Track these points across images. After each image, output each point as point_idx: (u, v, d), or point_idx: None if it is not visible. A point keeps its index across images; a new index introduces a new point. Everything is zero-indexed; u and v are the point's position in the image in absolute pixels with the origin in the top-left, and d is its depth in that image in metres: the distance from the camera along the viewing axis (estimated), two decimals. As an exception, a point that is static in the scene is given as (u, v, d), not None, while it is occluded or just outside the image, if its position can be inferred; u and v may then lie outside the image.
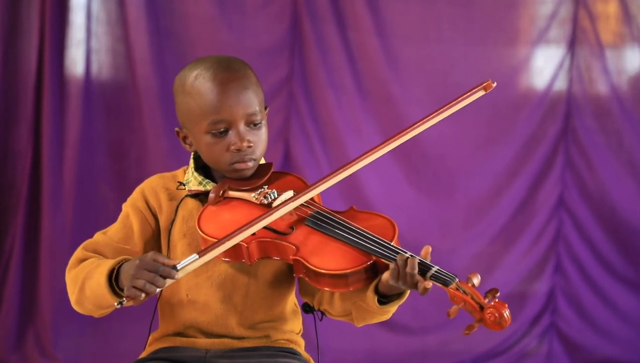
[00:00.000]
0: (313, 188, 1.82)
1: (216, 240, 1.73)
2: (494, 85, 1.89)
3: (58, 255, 3.62)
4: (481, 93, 1.92)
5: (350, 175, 3.82)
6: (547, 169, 3.94)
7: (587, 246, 3.92)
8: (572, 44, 3.89)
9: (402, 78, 3.82)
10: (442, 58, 3.83)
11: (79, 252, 1.86)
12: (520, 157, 3.92)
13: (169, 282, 1.65)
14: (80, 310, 1.84)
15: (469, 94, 1.91)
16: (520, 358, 3.88)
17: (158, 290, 1.64)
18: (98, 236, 1.91)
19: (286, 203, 1.80)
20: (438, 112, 1.91)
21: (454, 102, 1.91)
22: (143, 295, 1.63)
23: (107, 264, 1.74)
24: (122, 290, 1.71)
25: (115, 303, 1.65)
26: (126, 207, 1.94)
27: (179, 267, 1.67)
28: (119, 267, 1.72)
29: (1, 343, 3.62)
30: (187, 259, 1.69)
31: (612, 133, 3.91)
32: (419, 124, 1.91)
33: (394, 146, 1.90)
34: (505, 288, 3.85)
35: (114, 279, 1.72)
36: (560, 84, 3.91)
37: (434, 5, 3.80)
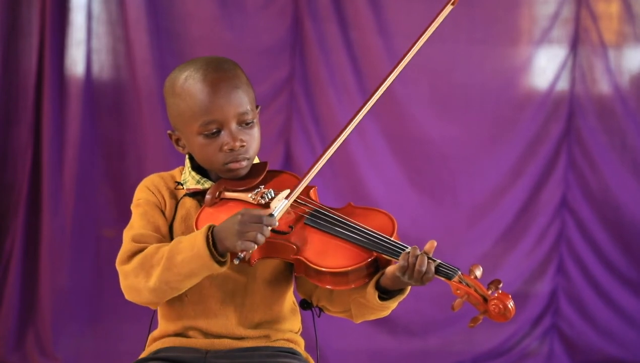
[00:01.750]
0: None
1: (297, 181, 1.81)
2: None
3: (58, 255, 3.63)
4: (449, 8, 1.92)
5: (353, 177, 3.82)
6: (550, 169, 3.93)
7: (590, 247, 3.91)
8: (575, 44, 3.88)
9: (404, 77, 3.79)
10: (444, 57, 3.83)
11: (129, 245, 1.84)
12: (523, 157, 3.91)
13: (270, 229, 1.72)
14: (154, 296, 1.80)
15: (439, 13, 1.92)
16: (521, 358, 3.88)
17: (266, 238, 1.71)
18: (132, 231, 1.88)
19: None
20: (416, 42, 1.94)
21: (428, 28, 1.94)
22: (255, 246, 1.70)
23: (194, 235, 1.75)
24: (221, 255, 1.73)
25: (234, 261, 1.70)
26: (138, 206, 1.92)
27: (275, 214, 1.74)
28: (212, 234, 1.74)
29: (1, 343, 3.62)
30: (279, 205, 1.77)
31: (615, 133, 3.90)
32: (398, 64, 1.94)
33: (376, 98, 1.93)
34: (507, 288, 3.79)
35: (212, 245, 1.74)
36: (563, 84, 3.90)
37: (436, 4, 3.77)
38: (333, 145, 1.87)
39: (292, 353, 1.92)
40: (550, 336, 3.92)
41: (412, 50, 1.92)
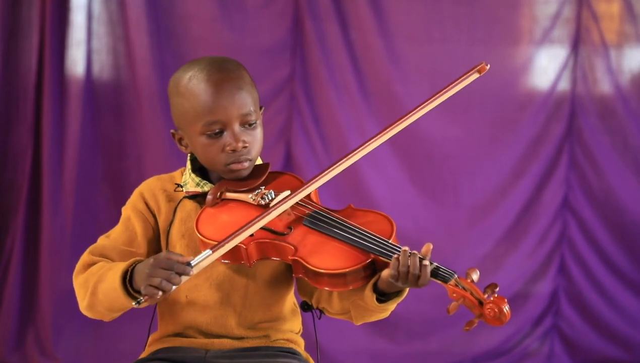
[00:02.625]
0: (308, 186, 1.82)
1: (229, 235, 1.73)
2: (488, 67, 1.88)
3: (58, 255, 3.63)
4: (475, 76, 1.90)
5: (354, 177, 3.81)
6: (552, 169, 3.92)
7: (591, 247, 3.91)
8: (576, 44, 3.87)
9: (405, 78, 3.81)
10: (445, 57, 3.82)
11: (85, 257, 1.87)
12: (524, 157, 3.90)
13: (184, 278, 1.66)
14: (91, 315, 1.84)
15: (463, 77, 1.90)
16: (521, 358, 3.88)
17: (174, 287, 1.65)
18: (102, 240, 1.92)
19: (290, 197, 1.80)
20: (434, 97, 1.92)
21: (449, 87, 1.91)
22: (160, 293, 1.64)
23: (120, 266, 1.74)
24: (136, 291, 1.71)
25: (133, 303, 1.66)
26: (126, 210, 1.94)
27: (193, 263, 1.68)
28: (132, 269, 1.73)
29: (1, 343, 3.63)
30: (200, 255, 1.70)
31: (617, 133, 3.90)
32: (415, 110, 1.94)
33: (391, 135, 1.92)
34: (508, 289, 3.84)
35: (127, 281, 1.72)
36: (564, 84, 3.90)
37: (437, 4, 3.79)
38: (325, 174, 1.84)
39: (292, 353, 1.92)
40: (551, 336, 3.92)
41: (427, 105, 1.90)
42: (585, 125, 3.89)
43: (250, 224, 1.75)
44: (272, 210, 1.78)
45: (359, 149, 1.89)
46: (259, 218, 1.76)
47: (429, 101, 1.92)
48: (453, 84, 1.91)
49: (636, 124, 3.89)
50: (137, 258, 1.77)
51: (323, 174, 1.83)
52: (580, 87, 3.89)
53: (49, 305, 3.63)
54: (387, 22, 3.77)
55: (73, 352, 3.64)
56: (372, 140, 1.90)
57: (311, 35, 3.74)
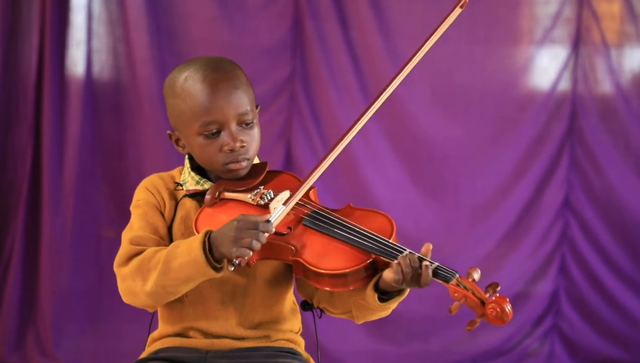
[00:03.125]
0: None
1: (296, 188, 1.80)
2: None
3: (58, 255, 3.63)
4: (459, 11, 1.91)
5: (355, 177, 3.81)
6: (553, 169, 3.92)
7: (592, 247, 3.90)
8: (577, 44, 3.87)
9: (406, 78, 3.80)
10: (446, 57, 3.82)
11: (127, 247, 1.84)
12: (525, 157, 3.90)
13: (266, 236, 1.71)
14: (151, 300, 1.80)
15: (447, 16, 1.90)
16: (521, 359, 3.87)
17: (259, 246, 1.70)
18: (130, 233, 1.87)
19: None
20: (423, 44, 1.93)
21: (437, 29, 1.93)
22: (251, 253, 1.69)
23: (195, 239, 1.75)
24: (217, 261, 1.72)
25: (229, 267, 1.70)
26: (137, 207, 1.92)
27: (272, 220, 1.73)
28: (208, 239, 1.73)
29: (1, 343, 3.63)
30: (276, 211, 1.75)
31: (618, 133, 3.89)
32: (405, 66, 1.95)
33: (380, 102, 1.93)
34: (509, 289, 3.84)
35: (208, 251, 1.73)
36: (565, 84, 3.89)
37: (437, 4, 3.79)
38: (335, 149, 1.85)
39: (293, 353, 1.92)
40: (551, 336, 3.91)
41: (418, 53, 1.92)
42: (586, 125, 3.89)
43: (310, 174, 1.81)
44: (305, 183, 1.82)
45: (352, 128, 1.89)
46: (315, 170, 1.82)
47: (420, 48, 1.94)
48: (440, 26, 1.92)
49: (637, 124, 3.88)
50: (208, 229, 1.76)
51: (321, 163, 1.83)
52: (581, 87, 3.89)
53: (49, 305, 3.63)
54: (387, 22, 3.77)
55: (73, 352, 3.64)
56: (363, 115, 1.92)
57: (311, 35, 3.73)
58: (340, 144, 1.85)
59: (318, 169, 1.83)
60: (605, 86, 3.89)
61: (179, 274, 1.75)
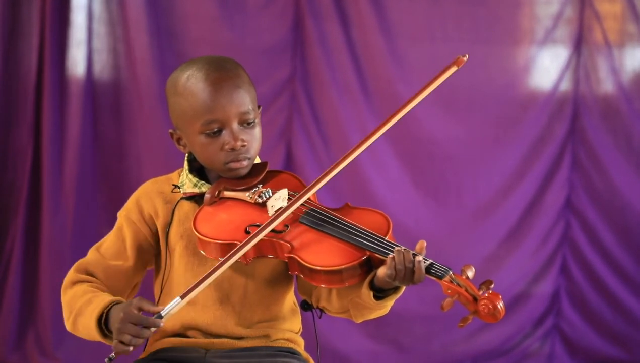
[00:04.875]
0: (309, 189, 1.82)
1: (198, 281, 1.73)
2: (465, 58, 1.87)
3: (58, 255, 3.63)
4: (454, 69, 1.90)
5: (356, 178, 3.80)
6: (555, 169, 3.92)
7: (594, 248, 3.90)
8: (578, 44, 3.86)
9: (406, 77, 3.80)
10: (447, 57, 3.78)
11: (71, 274, 1.90)
12: (527, 158, 3.90)
13: (153, 329, 1.70)
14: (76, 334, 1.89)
15: (442, 72, 1.88)
16: (522, 359, 3.87)
17: (140, 341, 1.70)
18: (91, 254, 1.94)
19: (283, 211, 1.79)
20: (418, 94, 1.91)
21: (431, 83, 1.89)
22: (131, 348, 1.69)
23: (97, 307, 1.77)
24: (112, 332, 1.75)
25: (105, 360, 1.71)
26: (120, 217, 1.95)
27: (163, 313, 1.70)
28: (108, 311, 1.76)
29: (1, 343, 3.63)
30: (170, 304, 1.71)
31: (620, 133, 3.89)
32: (405, 105, 1.93)
33: (385, 130, 1.94)
34: (510, 289, 3.84)
35: (103, 323, 1.77)
36: (567, 84, 3.89)
37: (438, 3, 3.79)
38: (332, 171, 1.84)
39: (292, 353, 1.92)
40: (552, 337, 3.91)
41: (413, 102, 1.91)
42: (588, 125, 3.88)
43: (215, 269, 1.74)
44: (263, 228, 1.77)
45: (354, 150, 1.89)
46: (232, 253, 1.75)
47: (415, 97, 1.92)
48: (434, 80, 1.89)
49: (639, 124, 3.88)
50: (113, 299, 1.78)
51: (323, 176, 1.83)
52: (582, 87, 3.88)
53: (49, 305, 3.63)
54: (388, 22, 3.77)
55: (73, 352, 3.64)
56: (370, 137, 1.93)
57: (312, 34, 3.73)
58: (337, 167, 1.84)
59: (309, 190, 1.81)
60: (607, 86, 3.88)
61: (83, 330, 1.83)
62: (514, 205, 3.90)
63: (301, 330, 2.00)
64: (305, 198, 1.81)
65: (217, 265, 1.75)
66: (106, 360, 1.70)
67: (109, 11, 3.65)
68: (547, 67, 3.89)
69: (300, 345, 1.97)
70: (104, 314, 1.76)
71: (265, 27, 3.70)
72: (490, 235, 3.89)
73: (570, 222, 3.92)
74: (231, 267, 1.85)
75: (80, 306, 1.82)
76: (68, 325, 1.86)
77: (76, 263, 1.93)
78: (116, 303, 1.76)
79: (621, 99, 3.87)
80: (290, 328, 1.95)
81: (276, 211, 1.81)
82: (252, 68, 3.76)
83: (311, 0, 3.71)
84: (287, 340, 1.94)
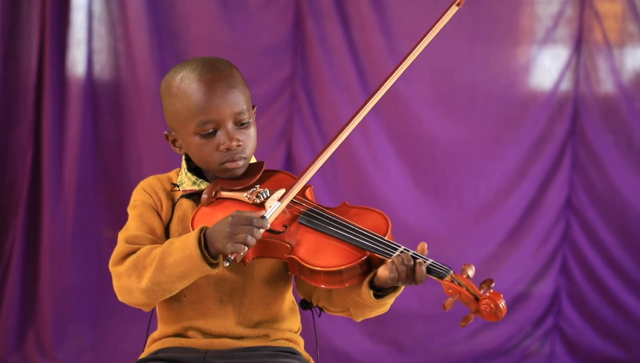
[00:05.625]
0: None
1: (291, 185, 1.80)
2: None
3: (58, 255, 3.63)
4: (455, 9, 1.90)
5: (357, 177, 3.79)
6: (555, 169, 3.92)
7: (594, 247, 3.90)
8: (578, 43, 3.86)
9: (408, 77, 3.80)
10: (448, 57, 3.82)
11: (122, 246, 1.85)
12: (528, 157, 3.90)
13: (261, 232, 1.72)
14: (146, 297, 1.80)
15: (444, 14, 1.90)
16: (522, 359, 3.87)
17: (254, 241, 1.71)
18: (128, 231, 1.88)
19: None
20: (419, 43, 1.93)
21: (433, 27, 1.92)
22: (246, 248, 1.69)
23: (190, 236, 1.75)
24: (212, 257, 1.73)
25: (224, 263, 1.70)
26: (135, 208, 1.93)
27: (267, 215, 1.74)
28: (203, 235, 1.74)
29: (2, 343, 3.63)
30: (271, 208, 1.76)
31: (620, 132, 3.89)
32: (399, 66, 1.93)
33: (377, 97, 1.91)
34: (511, 289, 3.84)
35: (204, 246, 1.74)
36: (567, 84, 3.89)
37: (439, 3, 3.77)
38: (332, 145, 1.86)
39: (292, 352, 1.92)
40: (552, 337, 3.91)
41: (415, 50, 1.92)
42: (588, 124, 3.88)
43: (304, 174, 1.82)
44: (301, 179, 1.82)
45: (351, 121, 1.89)
46: (310, 167, 1.83)
47: (413, 50, 1.94)
48: (434, 26, 1.92)
49: (639, 123, 3.87)
50: (204, 225, 1.76)
51: (317, 159, 1.84)
52: (583, 87, 3.88)
53: (49, 305, 3.63)
54: (389, 21, 3.77)
55: (73, 352, 3.65)
56: (362, 109, 1.90)
57: (312, 34, 3.73)
58: (338, 138, 1.86)
59: (314, 166, 1.84)
60: (607, 86, 3.88)
61: (174, 270, 1.75)
62: (514, 204, 3.90)
63: (300, 329, 2.00)
64: (310, 175, 1.84)
65: (306, 169, 1.82)
66: (225, 262, 1.69)
67: (109, 11, 3.65)
68: (548, 67, 3.89)
69: (300, 345, 1.97)
70: (202, 237, 1.74)
71: (266, 27, 3.70)
72: (490, 235, 3.89)
73: (570, 222, 3.92)
74: (230, 267, 1.85)
75: (161, 251, 1.77)
76: (142, 284, 1.77)
77: (123, 237, 1.86)
78: (206, 228, 1.75)
79: (621, 98, 3.87)
80: (289, 328, 1.96)
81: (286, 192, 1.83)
82: (252, 68, 3.77)
83: (311, 0, 3.71)
84: (287, 339, 1.94)
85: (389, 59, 3.77)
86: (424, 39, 1.93)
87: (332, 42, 3.75)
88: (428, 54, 3.76)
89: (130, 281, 1.79)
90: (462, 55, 3.82)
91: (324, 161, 1.85)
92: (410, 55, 1.93)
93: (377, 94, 1.91)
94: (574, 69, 3.88)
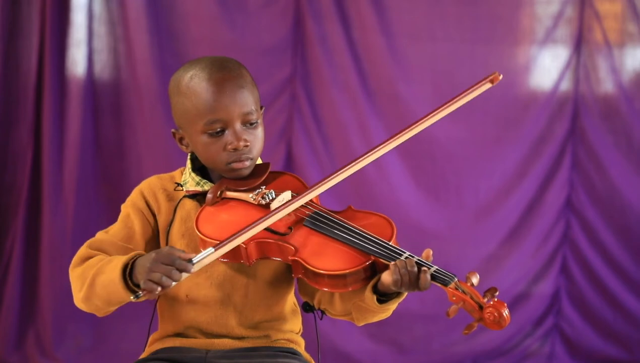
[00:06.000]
0: (314, 189, 1.82)
1: (231, 234, 1.73)
2: (501, 77, 1.86)
3: (58, 255, 3.63)
4: (488, 85, 1.89)
5: (358, 177, 3.81)
6: (555, 169, 3.92)
7: (594, 247, 3.90)
8: (579, 43, 3.86)
9: (407, 77, 3.80)
10: (448, 57, 3.82)
11: (83, 250, 1.85)
12: (528, 157, 3.90)
13: (184, 275, 1.65)
14: (86, 308, 1.82)
15: (475, 87, 1.88)
16: (522, 359, 3.87)
17: (173, 283, 1.64)
18: (101, 235, 1.91)
19: (293, 201, 1.79)
20: (443, 106, 1.91)
21: (460, 96, 1.89)
22: (159, 288, 1.63)
23: (121, 259, 1.74)
24: (136, 285, 1.70)
25: (131, 297, 1.66)
26: (126, 207, 1.94)
27: (194, 260, 1.67)
28: (133, 262, 1.72)
29: (2, 343, 3.63)
30: (202, 253, 1.69)
31: (620, 132, 3.89)
32: (423, 119, 1.92)
33: (399, 143, 1.90)
34: (510, 289, 3.84)
35: (128, 274, 1.72)
36: (567, 84, 3.89)
37: (439, 3, 3.79)
38: (346, 171, 1.83)
39: (293, 353, 1.92)
40: (552, 337, 3.91)
41: (436, 113, 1.90)
42: (588, 125, 3.89)
43: (253, 225, 1.74)
44: (276, 212, 1.77)
45: (365, 156, 1.86)
46: (262, 220, 1.75)
47: (439, 110, 1.92)
48: (464, 93, 1.90)
49: (639, 123, 3.88)
50: (138, 252, 1.76)
51: (328, 179, 1.82)
52: (583, 87, 3.88)
53: (49, 305, 3.63)
54: (389, 21, 3.77)
55: (73, 352, 3.65)
56: (379, 148, 1.88)
57: (312, 34, 3.73)
58: (337, 176, 1.83)
59: (309, 194, 1.81)
60: (607, 86, 3.88)
61: (101, 291, 1.75)
62: (514, 204, 3.90)
63: (301, 330, 2.00)
64: (313, 195, 1.80)
65: (253, 222, 1.73)
66: (132, 297, 1.66)
67: (109, 11, 3.64)
68: (548, 67, 3.89)
69: (300, 346, 1.97)
70: (129, 265, 1.71)
71: (266, 27, 3.69)
72: (490, 235, 3.89)
73: (570, 222, 3.92)
74: (233, 267, 1.86)
75: (99, 267, 1.77)
76: (80, 295, 1.79)
77: (88, 241, 1.87)
78: (139, 256, 1.73)
79: (621, 98, 3.87)
80: (291, 329, 1.96)
81: (285, 203, 1.80)
82: (252, 68, 3.75)
83: (311, 0, 3.71)
84: (288, 340, 1.94)
85: (389, 59, 3.77)
86: (450, 104, 1.90)
87: (332, 42, 3.75)
88: (428, 54, 3.79)
89: (75, 288, 1.81)
90: (462, 55, 3.82)
91: (323, 189, 1.82)
92: (430, 117, 1.91)
93: (404, 134, 1.89)
94: (574, 69, 3.88)
